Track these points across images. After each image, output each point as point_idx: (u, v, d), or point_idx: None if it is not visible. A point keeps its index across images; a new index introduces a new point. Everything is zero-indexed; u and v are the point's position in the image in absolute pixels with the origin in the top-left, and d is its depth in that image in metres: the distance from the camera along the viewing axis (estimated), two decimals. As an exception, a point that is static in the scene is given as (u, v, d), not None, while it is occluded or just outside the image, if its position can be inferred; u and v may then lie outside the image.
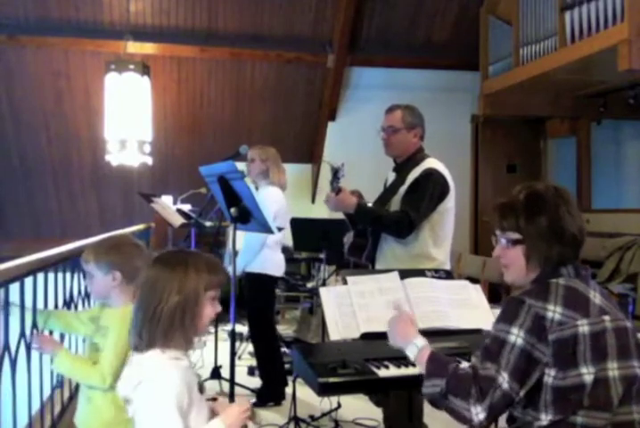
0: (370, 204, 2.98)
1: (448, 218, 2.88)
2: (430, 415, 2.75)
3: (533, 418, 1.48)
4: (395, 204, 2.86)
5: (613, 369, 1.46)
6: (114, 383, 1.85)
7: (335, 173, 2.76)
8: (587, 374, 1.43)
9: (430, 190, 2.78)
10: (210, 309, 1.57)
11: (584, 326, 1.45)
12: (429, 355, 1.65)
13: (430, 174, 2.81)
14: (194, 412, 1.50)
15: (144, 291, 1.54)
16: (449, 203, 2.86)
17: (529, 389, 1.46)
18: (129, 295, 1.99)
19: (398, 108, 2.95)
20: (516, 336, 1.45)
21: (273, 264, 3.91)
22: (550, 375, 1.44)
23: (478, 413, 1.45)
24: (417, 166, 2.87)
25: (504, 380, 1.44)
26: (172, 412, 1.44)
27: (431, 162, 2.89)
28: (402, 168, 2.95)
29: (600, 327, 1.47)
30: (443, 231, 2.87)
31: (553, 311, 1.45)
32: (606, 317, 1.49)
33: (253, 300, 3.89)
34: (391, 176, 3.07)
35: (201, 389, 1.59)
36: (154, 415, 1.46)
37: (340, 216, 3.19)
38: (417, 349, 1.69)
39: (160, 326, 1.50)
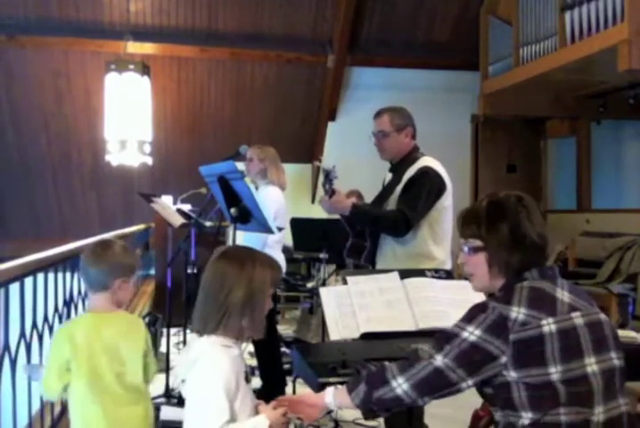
0: (367, 204, 2.98)
1: (447, 216, 2.87)
2: (431, 415, 2.75)
3: (515, 418, 1.48)
4: (392, 204, 2.86)
5: (591, 364, 1.45)
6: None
7: (327, 175, 2.75)
8: (555, 372, 1.42)
9: (427, 188, 2.77)
10: (268, 304, 1.69)
11: (550, 325, 1.45)
12: (339, 389, 1.68)
13: (426, 172, 2.80)
14: (239, 400, 1.60)
15: (213, 282, 1.64)
16: (447, 201, 2.86)
17: (479, 380, 1.47)
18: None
19: (385, 112, 2.95)
20: (470, 333, 1.47)
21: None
22: (510, 376, 1.44)
23: (400, 384, 1.51)
24: (413, 165, 2.87)
25: (438, 360, 1.48)
26: (220, 394, 1.54)
27: (427, 161, 2.88)
28: (398, 169, 2.95)
29: (568, 324, 1.47)
30: (442, 229, 2.86)
31: (517, 312, 1.46)
32: (575, 314, 1.49)
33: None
34: (388, 177, 3.07)
35: (247, 378, 1.68)
36: (203, 395, 1.56)
37: (339, 216, 3.18)
38: (332, 399, 1.71)
39: (225, 316, 1.61)
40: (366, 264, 3.00)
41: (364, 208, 2.90)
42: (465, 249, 1.64)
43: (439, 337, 1.54)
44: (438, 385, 1.50)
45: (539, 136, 7.82)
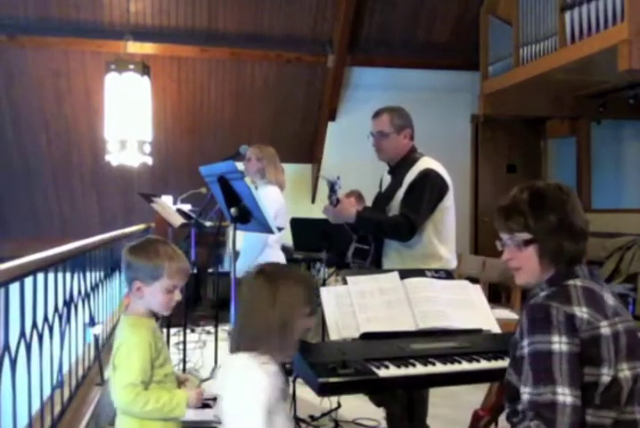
0: (370, 210, 2.99)
1: (450, 216, 2.87)
2: (431, 415, 2.75)
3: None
4: (394, 209, 2.85)
5: (624, 370, 1.45)
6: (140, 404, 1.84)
7: (332, 187, 2.77)
8: (606, 374, 1.42)
9: (429, 190, 2.76)
10: (307, 322, 1.69)
11: (605, 328, 1.45)
12: None
13: (427, 174, 2.79)
14: (277, 415, 1.58)
15: (248, 301, 1.69)
16: (449, 201, 2.85)
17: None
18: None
19: (384, 112, 2.92)
20: (559, 343, 1.41)
21: (273, 264, 3.90)
22: None
23: None
24: (413, 167, 2.85)
25: (565, 396, 1.38)
26: (259, 414, 1.53)
27: (427, 162, 2.87)
28: (397, 171, 2.93)
29: (615, 329, 1.47)
30: (445, 228, 2.86)
31: (581, 311, 1.44)
32: (619, 319, 1.49)
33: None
34: (386, 179, 3.05)
35: (285, 394, 1.68)
36: (242, 415, 1.56)
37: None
38: None
39: (260, 335, 1.62)
40: (373, 267, 2.98)
41: (368, 215, 2.88)
42: (513, 243, 1.59)
43: (532, 363, 1.43)
44: (580, 419, 1.39)
45: (539, 136, 7.82)
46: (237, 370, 1.61)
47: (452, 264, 2.85)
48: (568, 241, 1.54)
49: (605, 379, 1.42)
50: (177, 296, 1.94)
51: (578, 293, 1.48)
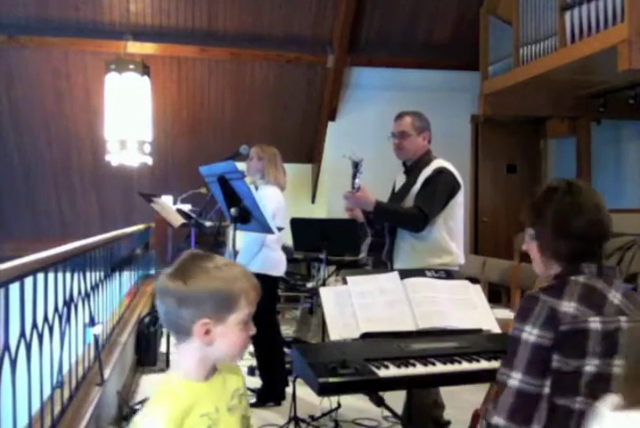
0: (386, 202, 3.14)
1: (459, 212, 3.08)
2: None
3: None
4: (409, 203, 3.02)
5: (619, 366, 1.47)
6: None
7: (356, 166, 2.86)
8: (589, 365, 1.45)
9: (442, 186, 2.97)
10: None
11: (596, 323, 1.47)
12: None
13: (441, 172, 3.01)
14: None
15: None
16: (460, 198, 3.06)
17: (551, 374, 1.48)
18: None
19: (407, 114, 3.15)
20: (529, 334, 1.48)
21: (272, 264, 3.90)
22: (553, 359, 1.47)
23: (497, 423, 1.48)
24: (427, 166, 3.06)
25: (514, 380, 1.48)
26: None
27: (441, 162, 3.09)
28: (412, 170, 3.13)
29: (613, 326, 1.49)
30: (456, 224, 3.05)
31: (568, 306, 1.48)
32: (622, 318, 1.51)
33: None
34: (401, 179, 3.23)
35: None
36: None
37: (339, 216, 3.21)
38: None
39: None
40: (387, 260, 3.17)
41: (385, 204, 3.05)
42: (526, 236, 1.68)
43: (508, 345, 1.54)
44: (530, 405, 1.48)
45: (539, 136, 7.82)
46: None
47: (461, 259, 3.05)
48: (562, 240, 1.57)
49: (588, 369, 1.45)
50: (253, 329, 1.35)
51: (574, 289, 1.52)
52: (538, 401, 1.47)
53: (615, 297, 1.54)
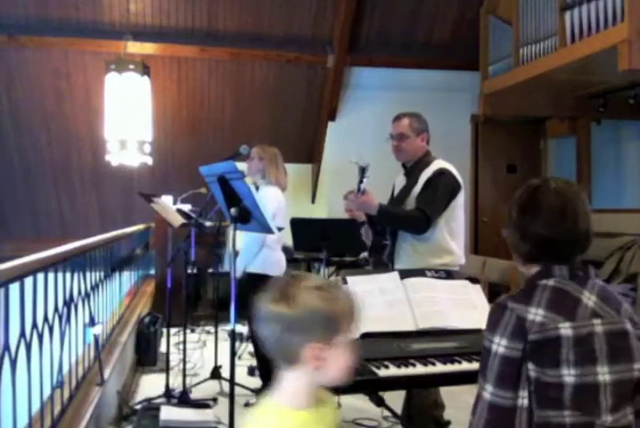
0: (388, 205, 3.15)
1: (460, 213, 3.07)
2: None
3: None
4: (410, 205, 3.02)
5: (604, 373, 1.41)
6: None
7: (362, 171, 2.86)
8: (568, 375, 1.39)
9: (443, 187, 2.97)
10: None
11: (567, 329, 1.40)
12: None
13: (442, 173, 3.00)
14: None
15: None
16: (460, 199, 3.05)
17: (527, 386, 1.41)
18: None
19: (405, 116, 3.13)
20: (497, 345, 1.43)
21: (272, 264, 3.91)
22: (529, 369, 1.41)
23: None
24: (427, 167, 3.05)
25: (487, 393, 1.43)
26: None
27: (441, 163, 3.08)
28: (412, 172, 3.13)
29: (586, 331, 1.42)
30: (457, 224, 3.05)
31: (535, 314, 1.42)
32: (596, 321, 1.43)
33: (254, 301, 3.89)
34: (400, 181, 3.23)
35: None
36: None
37: (340, 216, 3.22)
38: None
39: None
40: (388, 261, 3.17)
41: (387, 208, 3.05)
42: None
43: (481, 356, 1.50)
44: (504, 418, 1.41)
45: (539, 136, 7.82)
46: None
47: (462, 259, 3.05)
48: (523, 240, 1.53)
49: (568, 379, 1.39)
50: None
51: (543, 294, 1.45)
52: (513, 415, 1.40)
53: (590, 299, 1.46)
